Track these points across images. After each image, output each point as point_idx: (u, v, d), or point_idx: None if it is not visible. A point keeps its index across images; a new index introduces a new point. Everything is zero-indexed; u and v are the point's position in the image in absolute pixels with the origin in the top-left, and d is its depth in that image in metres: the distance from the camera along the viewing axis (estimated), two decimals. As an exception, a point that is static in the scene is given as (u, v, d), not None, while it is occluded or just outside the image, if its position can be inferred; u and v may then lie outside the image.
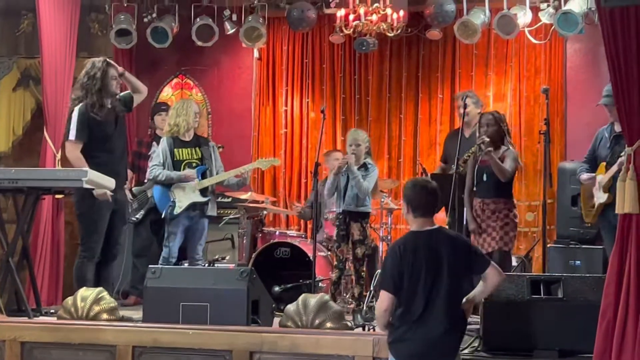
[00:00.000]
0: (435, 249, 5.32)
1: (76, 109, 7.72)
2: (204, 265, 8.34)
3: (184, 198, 8.29)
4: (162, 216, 8.36)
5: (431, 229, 5.43)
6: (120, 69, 8.07)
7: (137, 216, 9.51)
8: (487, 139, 7.59)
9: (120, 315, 6.95)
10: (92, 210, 7.67)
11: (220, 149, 8.90)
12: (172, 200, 8.27)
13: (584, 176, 7.58)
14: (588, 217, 7.66)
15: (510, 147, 7.81)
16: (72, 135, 7.71)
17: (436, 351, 5.24)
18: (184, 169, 8.38)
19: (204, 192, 8.35)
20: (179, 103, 8.74)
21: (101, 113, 7.72)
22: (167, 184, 8.34)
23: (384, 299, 5.30)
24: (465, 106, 8.35)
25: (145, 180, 9.17)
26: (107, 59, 8.00)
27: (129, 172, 9.74)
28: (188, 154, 8.43)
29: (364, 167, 8.04)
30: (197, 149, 8.47)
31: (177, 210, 8.26)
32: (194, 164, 8.40)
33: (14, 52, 11.06)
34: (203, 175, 8.37)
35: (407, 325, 5.27)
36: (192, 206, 8.31)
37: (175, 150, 8.39)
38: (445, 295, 5.25)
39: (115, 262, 8.16)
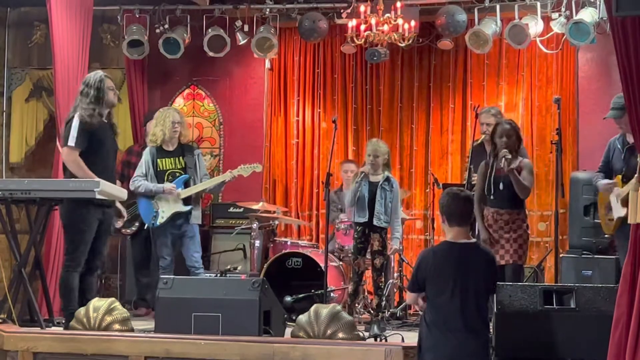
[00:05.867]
0: (467, 263, 5.53)
1: (76, 116, 7.55)
2: (216, 275, 8.35)
3: (166, 208, 8.31)
4: (145, 227, 8.38)
5: (467, 243, 5.62)
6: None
7: (132, 228, 9.50)
8: (510, 156, 7.48)
9: (132, 326, 6.96)
10: (80, 220, 7.50)
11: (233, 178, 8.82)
12: (154, 210, 8.28)
13: (602, 182, 7.40)
14: (608, 229, 7.58)
15: (525, 159, 7.76)
16: (72, 141, 7.50)
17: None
18: (167, 178, 8.38)
19: (186, 201, 8.35)
20: (158, 112, 8.67)
21: (98, 123, 7.58)
22: (149, 195, 8.37)
23: (411, 297, 5.81)
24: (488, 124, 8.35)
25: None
26: (105, 73, 7.84)
27: (118, 182, 9.75)
28: (171, 163, 8.42)
29: (387, 181, 8.05)
30: (181, 158, 8.46)
31: (160, 221, 8.29)
32: (177, 174, 8.39)
33: (27, 63, 11.12)
34: (186, 185, 8.37)
35: (438, 332, 5.40)
36: (176, 215, 8.32)
37: (158, 160, 8.39)
38: (473, 305, 5.47)
39: (97, 273, 7.96)
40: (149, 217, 8.34)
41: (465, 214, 5.58)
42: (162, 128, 8.37)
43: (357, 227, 8.07)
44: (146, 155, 8.45)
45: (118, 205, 7.87)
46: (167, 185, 8.27)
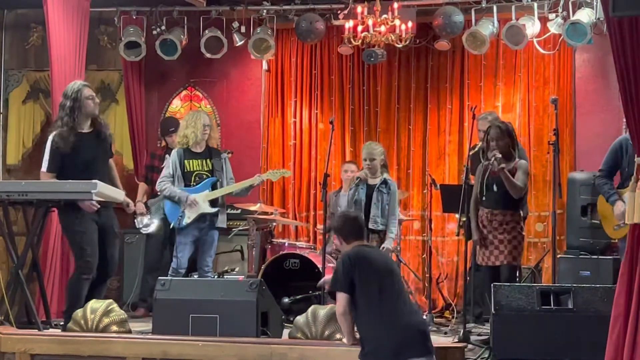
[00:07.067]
0: (381, 259, 5.72)
1: (49, 138, 7.58)
2: (214, 277, 8.35)
3: (193, 209, 8.30)
4: (171, 226, 8.38)
5: (370, 244, 5.99)
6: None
7: (151, 228, 9.53)
8: (500, 155, 7.50)
9: (129, 328, 6.96)
10: (75, 223, 7.50)
11: (230, 154, 8.89)
12: (181, 211, 8.28)
13: (621, 210, 7.12)
14: (618, 233, 7.45)
15: (521, 160, 7.75)
16: (44, 166, 7.58)
17: (409, 347, 5.37)
18: (194, 180, 8.37)
19: (213, 203, 8.35)
20: (189, 115, 8.75)
21: (75, 137, 7.51)
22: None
23: (341, 302, 5.57)
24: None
25: (158, 192, 9.20)
26: (84, 82, 7.83)
27: (144, 186, 9.79)
28: (198, 165, 8.41)
29: (385, 183, 8.07)
30: (208, 160, 8.45)
31: (186, 221, 8.26)
32: (204, 176, 8.39)
33: (24, 65, 11.11)
34: (213, 187, 8.38)
35: (378, 331, 5.43)
36: (202, 217, 8.30)
37: (185, 161, 8.39)
38: (399, 294, 5.52)
39: (109, 280, 7.98)
40: (175, 217, 8.31)
41: (358, 229, 5.80)
42: (194, 130, 8.37)
43: None
44: (173, 156, 8.44)
45: (125, 199, 7.83)
46: (191, 197, 8.24)
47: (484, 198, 7.61)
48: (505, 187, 7.52)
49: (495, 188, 7.57)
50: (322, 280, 6.95)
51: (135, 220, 9.62)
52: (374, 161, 8.08)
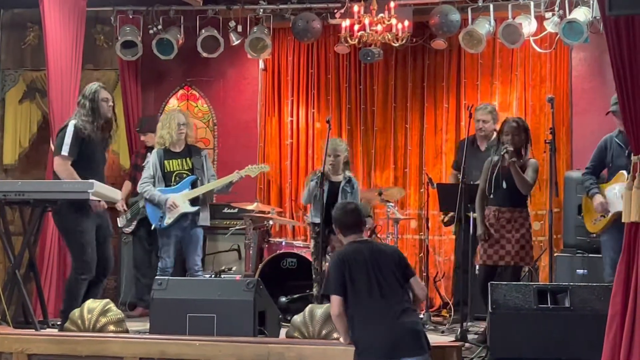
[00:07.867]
0: (378, 252, 5.69)
1: (71, 124, 7.59)
2: (211, 276, 8.35)
3: (173, 211, 8.28)
4: (152, 228, 8.39)
5: (366, 239, 5.91)
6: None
7: (130, 227, 9.57)
8: (512, 149, 7.47)
9: (127, 327, 6.96)
10: (75, 224, 7.49)
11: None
12: (162, 211, 8.28)
13: (599, 201, 7.45)
14: (596, 227, 7.57)
15: (532, 158, 7.72)
16: (65, 150, 7.53)
17: (402, 346, 5.40)
18: (174, 179, 8.39)
19: (193, 202, 8.35)
20: (164, 115, 8.85)
21: (92, 133, 7.59)
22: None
23: (335, 304, 5.60)
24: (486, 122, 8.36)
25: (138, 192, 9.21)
26: (101, 84, 7.89)
27: (129, 184, 9.82)
28: (178, 165, 8.43)
29: (349, 182, 8.08)
30: (188, 159, 8.47)
31: (167, 222, 8.27)
32: (184, 175, 8.40)
33: (20, 64, 11.10)
34: (193, 185, 8.38)
35: (372, 327, 5.46)
36: (183, 217, 8.31)
37: (165, 161, 8.41)
38: (392, 292, 5.53)
39: (105, 280, 7.96)
40: (156, 218, 8.32)
41: (357, 223, 5.84)
42: (169, 130, 8.41)
43: (315, 227, 8.10)
44: (153, 157, 8.47)
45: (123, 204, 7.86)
46: (170, 200, 8.25)
47: (492, 195, 7.56)
48: (514, 184, 7.47)
49: (504, 185, 7.50)
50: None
51: (118, 219, 9.65)
52: (338, 157, 8.09)
